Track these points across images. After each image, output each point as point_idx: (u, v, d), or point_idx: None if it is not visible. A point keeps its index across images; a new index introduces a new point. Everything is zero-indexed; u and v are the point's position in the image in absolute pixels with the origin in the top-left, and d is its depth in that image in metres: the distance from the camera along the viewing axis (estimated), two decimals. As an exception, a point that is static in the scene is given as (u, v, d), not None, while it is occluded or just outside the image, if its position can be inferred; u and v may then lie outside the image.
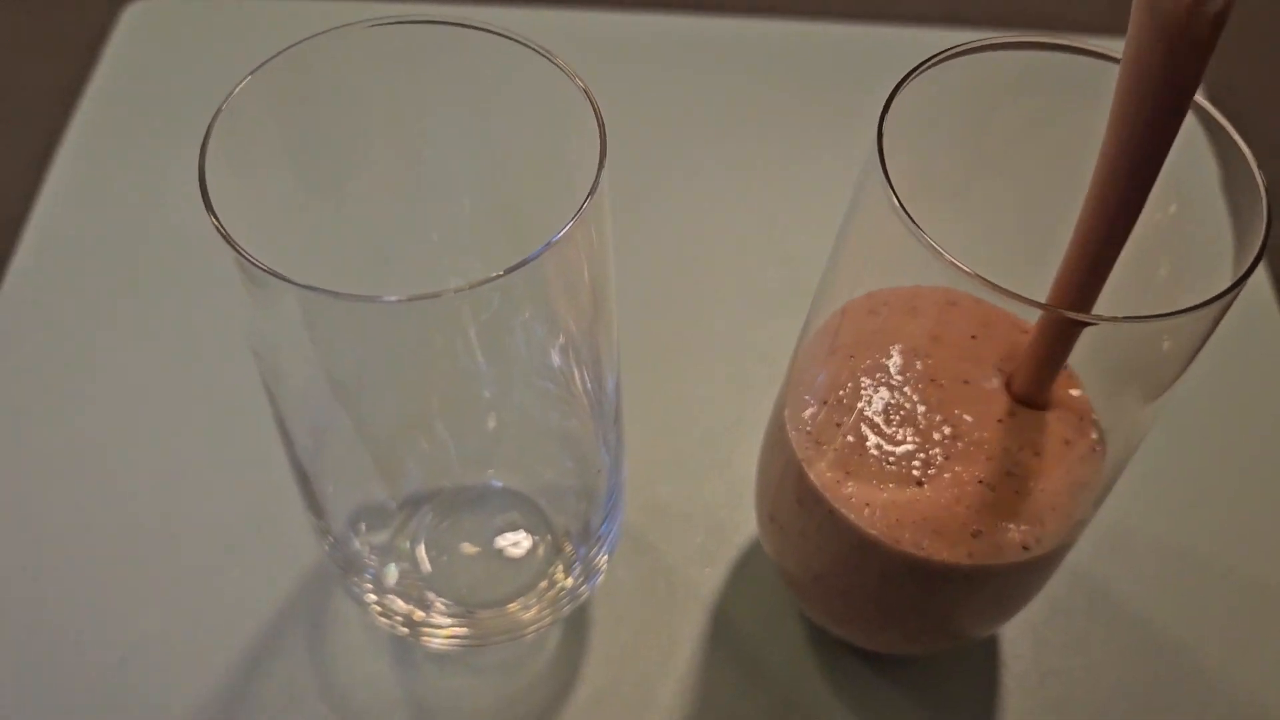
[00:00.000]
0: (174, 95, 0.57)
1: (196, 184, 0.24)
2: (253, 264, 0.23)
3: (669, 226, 0.53)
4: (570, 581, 0.37)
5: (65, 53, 0.57)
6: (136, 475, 0.44)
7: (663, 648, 0.41)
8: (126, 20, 0.59)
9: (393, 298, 0.24)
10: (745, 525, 0.44)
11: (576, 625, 0.41)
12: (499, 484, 0.40)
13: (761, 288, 0.51)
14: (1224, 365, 0.43)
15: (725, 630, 0.41)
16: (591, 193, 0.25)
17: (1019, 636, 0.41)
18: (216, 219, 0.24)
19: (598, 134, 0.26)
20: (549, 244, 0.24)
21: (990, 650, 0.41)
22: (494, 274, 0.24)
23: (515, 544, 0.39)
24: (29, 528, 0.43)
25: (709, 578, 0.42)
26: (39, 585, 0.41)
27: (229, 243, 0.24)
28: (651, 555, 0.43)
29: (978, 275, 0.24)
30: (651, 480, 0.44)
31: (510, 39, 0.27)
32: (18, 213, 0.52)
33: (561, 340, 0.31)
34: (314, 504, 0.35)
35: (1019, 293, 0.23)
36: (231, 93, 0.26)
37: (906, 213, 0.25)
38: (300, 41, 0.27)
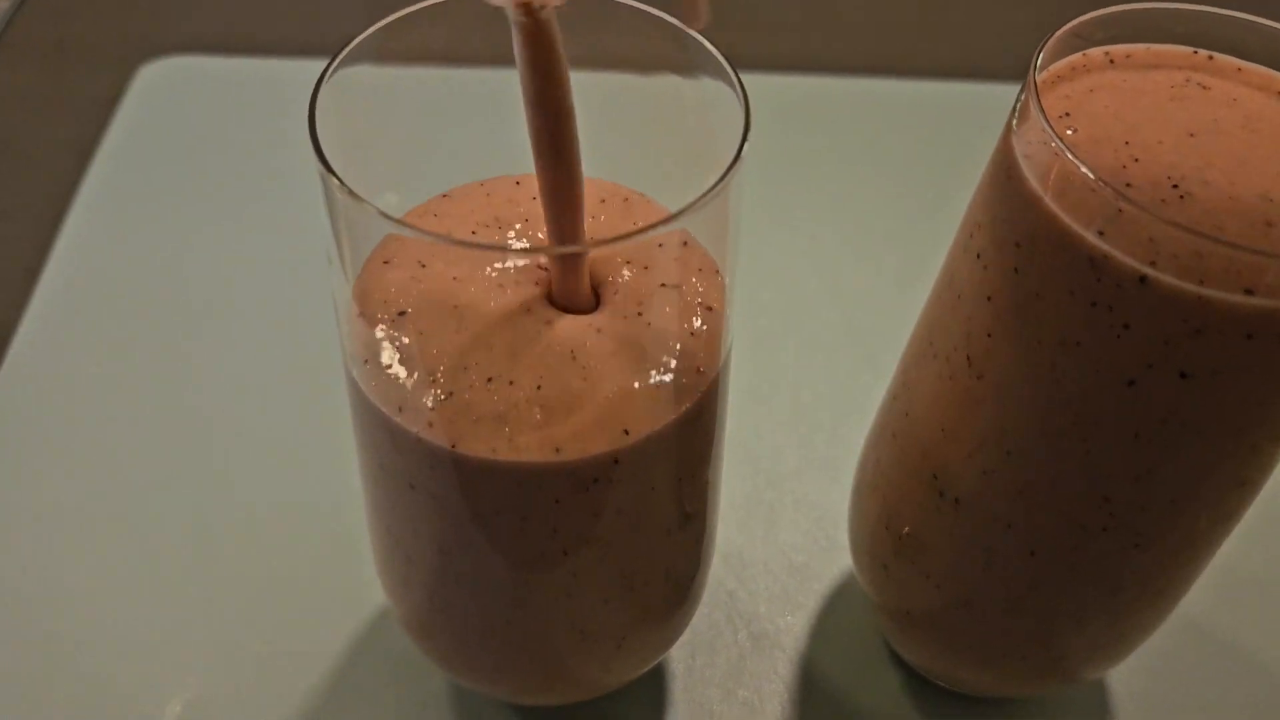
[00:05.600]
0: (189, 155, 0.55)
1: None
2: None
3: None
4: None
5: (80, 110, 0.56)
6: (183, 521, 0.41)
7: (749, 702, 0.37)
8: (142, 78, 0.58)
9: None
10: (826, 567, 0.41)
11: (655, 680, 0.38)
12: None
13: (832, 322, 0.49)
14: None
15: (814, 681, 0.38)
16: (734, 163, 0.23)
17: (1130, 677, 0.38)
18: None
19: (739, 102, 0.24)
20: (694, 205, 0.22)
21: (1098, 694, 0.38)
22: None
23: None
24: (77, 571, 0.39)
25: (792, 625, 0.39)
26: (88, 632, 0.37)
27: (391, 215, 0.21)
28: (730, 603, 0.40)
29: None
30: (724, 523, 0.42)
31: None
32: (32, 266, 0.49)
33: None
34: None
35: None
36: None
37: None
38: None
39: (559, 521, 0.26)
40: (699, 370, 0.26)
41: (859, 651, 0.39)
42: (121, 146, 0.55)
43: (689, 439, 0.27)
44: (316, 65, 0.24)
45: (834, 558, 0.41)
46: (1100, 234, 0.24)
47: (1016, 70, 0.27)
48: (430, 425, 0.24)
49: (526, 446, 0.24)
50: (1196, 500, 0.27)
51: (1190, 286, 0.23)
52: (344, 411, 0.28)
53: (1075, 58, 0.28)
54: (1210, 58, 0.28)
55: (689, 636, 0.39)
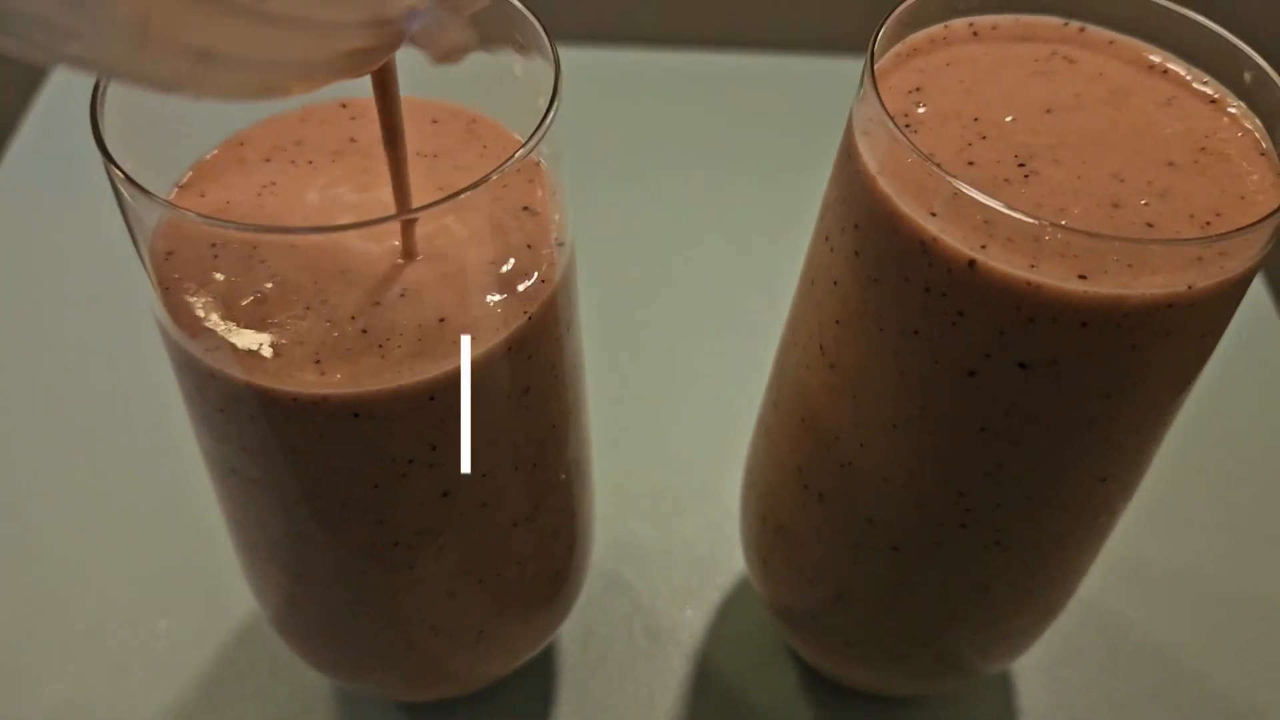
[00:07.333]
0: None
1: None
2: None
3: (644, 253, 0.50)
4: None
5: None
6: (48, 523, 0.40)
7: (641, 698, 0.36)
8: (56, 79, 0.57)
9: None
10: (728, 562, 0.40)
11: (542, 674, 0.37)
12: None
13: (737, 313, 0.48)
14: (1228, 384, 0.40)
15: (711, 677, 0.37)
16: (544, 120, 0.22)
17: (1033, 676, 0.37)
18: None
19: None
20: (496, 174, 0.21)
21: (1003, 690, 0.37)
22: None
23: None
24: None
25: (691, 620, 0.38)
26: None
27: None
28: (626, 596, 0.39)
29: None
30: (624, 515, 0.40)
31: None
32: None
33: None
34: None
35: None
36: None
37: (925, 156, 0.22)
38: None
39: (383, 510, 0.25)
40: (526, 291, 0.24)
41: (758, 648, 0.38)
42: (30, 149, 0.54)
43: (523, 380, 0.25)
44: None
45: (738, 551, 0.40)
46: (933, 215, 0.22)
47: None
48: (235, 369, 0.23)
49: (319, 385, 0.22)
50: (1054, 497, 0.26)
51: (1020, 272, 0.21)
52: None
53: (936, 29, 0.26)
54: (1082, 29, 0.26)
55: (582, 629, 0.38)
